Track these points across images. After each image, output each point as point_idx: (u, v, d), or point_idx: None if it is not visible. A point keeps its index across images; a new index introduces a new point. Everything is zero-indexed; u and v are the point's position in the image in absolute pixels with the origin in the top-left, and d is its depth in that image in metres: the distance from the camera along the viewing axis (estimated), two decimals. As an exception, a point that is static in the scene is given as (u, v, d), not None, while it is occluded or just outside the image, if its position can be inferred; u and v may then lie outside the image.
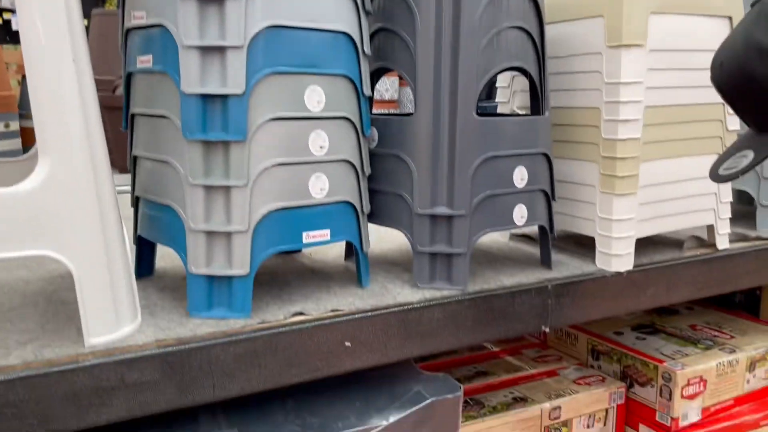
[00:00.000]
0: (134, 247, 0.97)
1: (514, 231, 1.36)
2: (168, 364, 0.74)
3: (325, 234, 0.88)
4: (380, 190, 0.99)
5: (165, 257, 1.12)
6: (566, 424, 1.23)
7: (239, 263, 0.81)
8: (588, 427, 1.26)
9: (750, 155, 0.79)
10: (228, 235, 0.81)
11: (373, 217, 1.01)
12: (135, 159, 0.92)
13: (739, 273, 1.21)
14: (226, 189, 0.80)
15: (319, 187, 0.86)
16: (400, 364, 1.01)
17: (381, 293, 0.94)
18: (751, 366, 1.31)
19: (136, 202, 0.94)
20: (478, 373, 1.33)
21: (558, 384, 1.29)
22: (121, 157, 0.94)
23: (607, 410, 1.28)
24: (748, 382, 1.32)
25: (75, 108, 0.70)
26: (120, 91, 1.60)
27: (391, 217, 0.99)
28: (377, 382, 0.96)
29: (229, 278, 0.82)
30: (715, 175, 0.83)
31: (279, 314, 0.85)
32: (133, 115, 0.90)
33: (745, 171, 0.79)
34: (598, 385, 1.28)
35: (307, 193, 0.85)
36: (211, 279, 0.83)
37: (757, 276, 1.24)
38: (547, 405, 1.21)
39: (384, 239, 1.29)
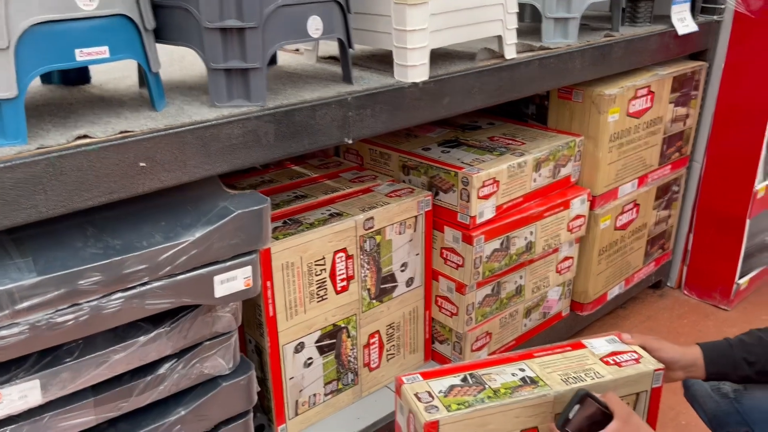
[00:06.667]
0: None
1: (322, 54, 1.36)
2: (-68, 195, 0.69)
3: (102, 51, 0.82)
4: (165, 4, 0.93)
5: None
6: (380, 232, 1.34)
7: (4, 85, 0.74)
8: (400, 233, 1.38)
9: None
10: (-16, 53, 0.73)
11: (161, 36, 0.95)
12: None
13: (525, 80, 1.32)
14: (-29, -1, 0.71)
15: (87, -2, 0.78)
16: (207, 186, 1.01)
17: (176, 114, 0.92)
18: (537, 166, 1.48)
19: None
20: (297, 197, 1.38)
21: (372, 199, 1.37)
22: None
23: (416, 217, 1.40)
24: (534, 180, 1.49)
25: None
26: None
27: (180, 34, 0.94)
28: (183, 202, 0.96)
29: (-4, 103, 0.76)
30: None
31: (61, 139, 0.80)
32: None
33: None
34: (407, 196, 1.38)
35: (73, 4, 0.78)
36: (-26, 105, 0.75)
37: (540, 83, 1.36)
38: (360, 217, 1.29)
39: (186, 67, 1.24)
